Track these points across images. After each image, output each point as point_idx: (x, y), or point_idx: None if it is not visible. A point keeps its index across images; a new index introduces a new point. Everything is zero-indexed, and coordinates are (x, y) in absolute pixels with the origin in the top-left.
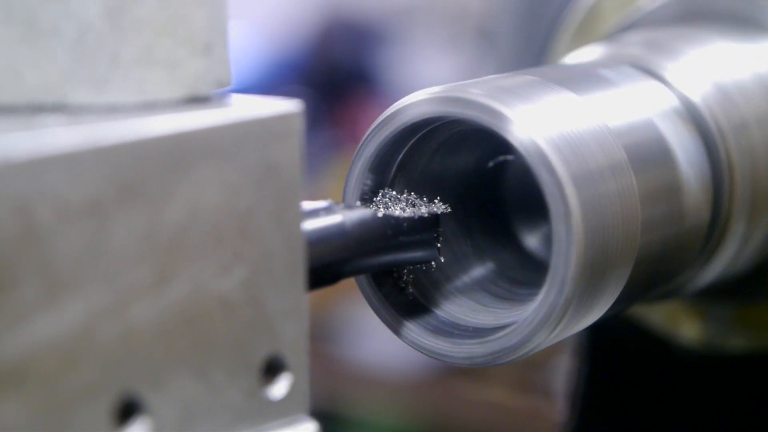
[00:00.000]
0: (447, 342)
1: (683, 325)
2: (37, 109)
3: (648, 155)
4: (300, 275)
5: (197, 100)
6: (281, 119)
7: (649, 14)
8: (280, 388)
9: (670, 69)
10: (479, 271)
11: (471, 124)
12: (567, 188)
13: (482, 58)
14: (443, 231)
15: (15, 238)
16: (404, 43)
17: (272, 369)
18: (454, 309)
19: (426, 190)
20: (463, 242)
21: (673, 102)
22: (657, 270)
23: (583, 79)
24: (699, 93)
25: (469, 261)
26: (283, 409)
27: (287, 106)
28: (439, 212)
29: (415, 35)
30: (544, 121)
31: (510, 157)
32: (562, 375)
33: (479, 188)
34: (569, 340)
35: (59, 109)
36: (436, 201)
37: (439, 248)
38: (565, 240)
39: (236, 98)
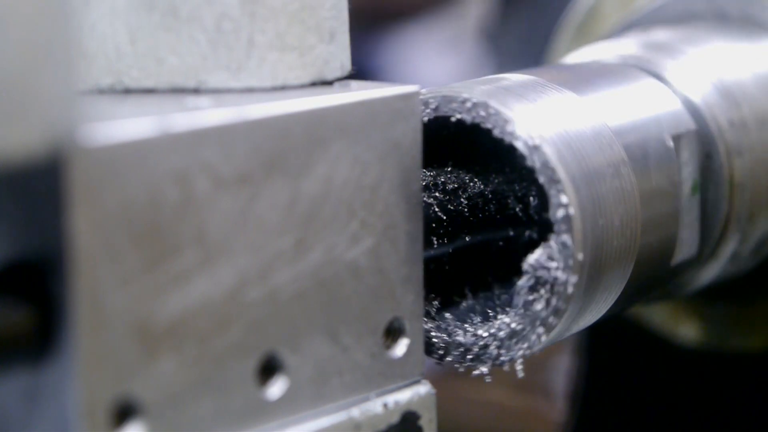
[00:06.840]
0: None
1: (683, 325)
2: (178, 93)
3: (648, 155)
4: (419, 246)
5: (323, 85)
6: (402, 98)
7: (649, 14)
8: (400, 351)
9: (670, 69)
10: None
11: (469, 125)
12: (567, 188)
13: (482, 58)
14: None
15: (177, 206)
16: (404, 43)
17: (392, 333)
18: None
19: None
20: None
21: (674, 102)
22: (657, 270)
23: (583, 79)
24: (699, 93)
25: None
26: (403, 372)
27: (406, 87)
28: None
29: (415, 35)
30: (544, 121)
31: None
32: (562, 375)
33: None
34: (569, 340)
35: (199, 92)
36: None
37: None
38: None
39: (355, 83)
